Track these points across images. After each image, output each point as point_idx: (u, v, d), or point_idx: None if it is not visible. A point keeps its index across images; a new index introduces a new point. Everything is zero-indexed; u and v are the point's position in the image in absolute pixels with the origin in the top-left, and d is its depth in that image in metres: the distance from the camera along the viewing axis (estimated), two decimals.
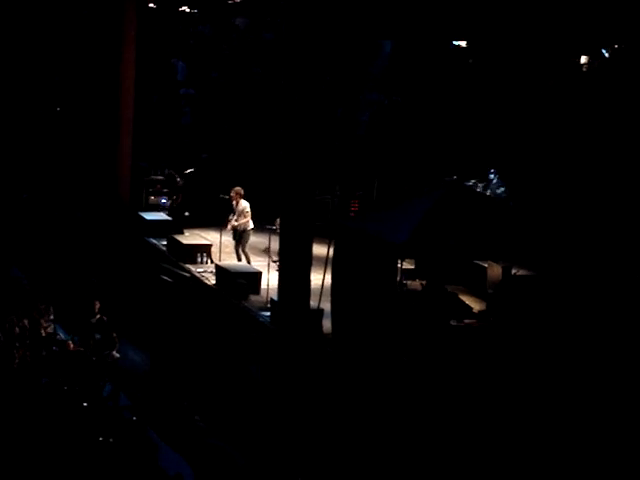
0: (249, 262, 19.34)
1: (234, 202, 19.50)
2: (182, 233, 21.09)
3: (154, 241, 21.34)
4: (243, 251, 19.42)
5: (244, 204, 19.43)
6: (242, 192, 19.60)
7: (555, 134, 20.00)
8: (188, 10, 26.08)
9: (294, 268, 16.39)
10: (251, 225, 19.43)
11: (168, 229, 21.35)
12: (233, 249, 19.72)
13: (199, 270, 19.48)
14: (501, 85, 21.09)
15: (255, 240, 20.03)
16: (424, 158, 22.32)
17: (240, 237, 19.41)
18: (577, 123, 19.69)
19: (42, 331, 16.08)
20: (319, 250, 16.97)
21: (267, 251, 18.49)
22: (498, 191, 21.54)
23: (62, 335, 16.76)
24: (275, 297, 16.80)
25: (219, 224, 19.84)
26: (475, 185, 20.86)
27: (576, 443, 12.77)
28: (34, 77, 26.28)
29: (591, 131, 19.48)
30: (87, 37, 25.40)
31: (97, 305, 16.94)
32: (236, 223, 19.36)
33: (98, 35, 24.53)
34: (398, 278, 15.31)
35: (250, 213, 19.40)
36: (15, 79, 26.08)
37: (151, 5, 25.48)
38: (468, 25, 20.95)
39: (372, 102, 24.10)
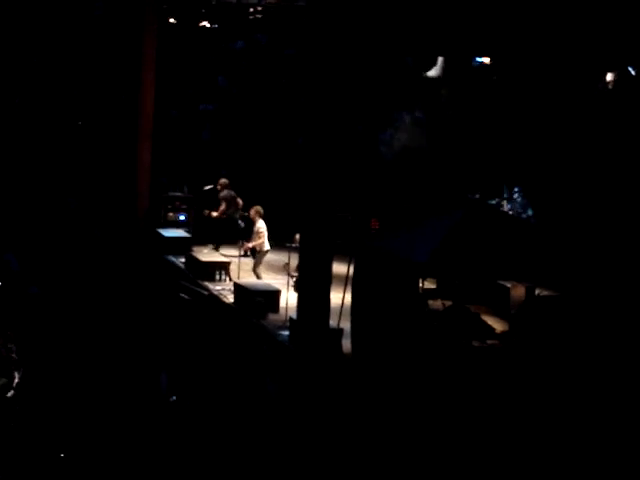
0: None
1: (254, 221, 19.47)
2: (201, 250, 20.97)
3: (172, 258, 21.21)
4: (254, 271, 19.32)
5: (258, 224, 19.34)
6: (261, 211, 19.48)
7: (581, 152, 19.76)
8: (208, 25, 26.01)
9: (314, 286, 16.18)
10: (266, 247, 19.29)
11: (186, 246, 21.22)
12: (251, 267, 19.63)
13: (217, 288, 19.31)
14: (526, 102, 20.88)
15: (274, 257, 19.88)
16: (447, 175, 22.13)
17: (255, 257, 19.39)
18: (603, 142, 19.45)
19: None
20: (339, 269, 16.75)
21: (287, 267, 18.36)
22: (520, 210, 21.30)
23: None
24: (294, 316, 16.59)
25: (238, 241, 19.75)
26: (499, 204, 20.62)
27: (601, 466, 12.55)
28: (54, 92, 26.25)
29: (618, 150, 19.22)
30: (107, 52, 25.36)
31: None
32: (250, 245, 19.33)
33: (118, 50, 24.49)
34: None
35: (265, 234, 19.25)
36: (36, 94, 26.07)
37: (172, 20, 25.44)
38: (492, 41, 20.77)
39: (394, 119, 23.93)
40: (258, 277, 19.36)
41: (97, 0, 25.38)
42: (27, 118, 25.68)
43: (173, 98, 25.38)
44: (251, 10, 25.27)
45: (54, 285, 20.48)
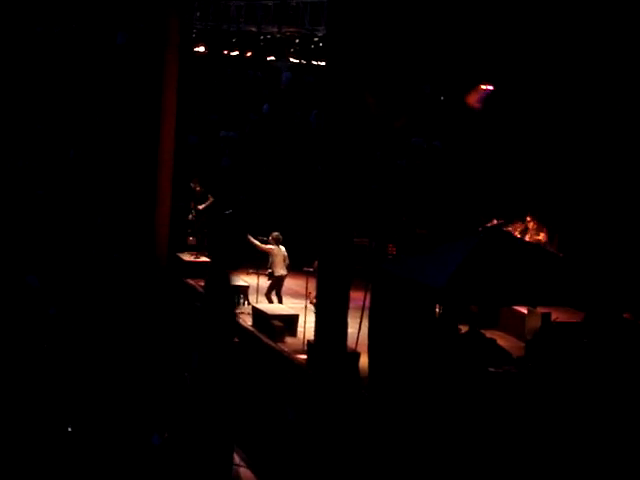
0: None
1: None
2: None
3: (192, 282, 21.39)
4: (267, 295, 19.47)
5: (269, 246, 19.49)
6: (277, 237, 19.61)
7: (597, 177, 19.82)
8: (230, 53, 26.31)
9: (331, 311, 16.32)
10: (280, 272, 19.40)
11: (206, 270, 21.37)
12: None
13: (236, 311, 19.46)
14: (541, 129, 20.98)
15: (292, 282, 20.02)
16: (463, 203, 22.23)
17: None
18: (619, 166, 19.49)
19: None
20: (357, 294, 16.89)
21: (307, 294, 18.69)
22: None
23: None
24: (312, 339, 16.72)
25: (256, 266, 19.94)
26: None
27: None
28: (77, 116, 26.59)
29: (634, 174, 19.23)
30: (129, 80, 25.70)
31: None
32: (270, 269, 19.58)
33: (140, 78, 24.80)
34: None
35: (275, 256, 19.35)
36: (58, 123, 26.44)
37: (195, 49, 25.76)
38: (508, 68, 20.92)
39: (411, 146, 24.11)
40: (270, 301, 19.52)
41: (120, 29, 25.77)
42: (51, 138, 26.02)
43: (193, 124, 25.66)
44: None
45: (73, 306, 20.63)
